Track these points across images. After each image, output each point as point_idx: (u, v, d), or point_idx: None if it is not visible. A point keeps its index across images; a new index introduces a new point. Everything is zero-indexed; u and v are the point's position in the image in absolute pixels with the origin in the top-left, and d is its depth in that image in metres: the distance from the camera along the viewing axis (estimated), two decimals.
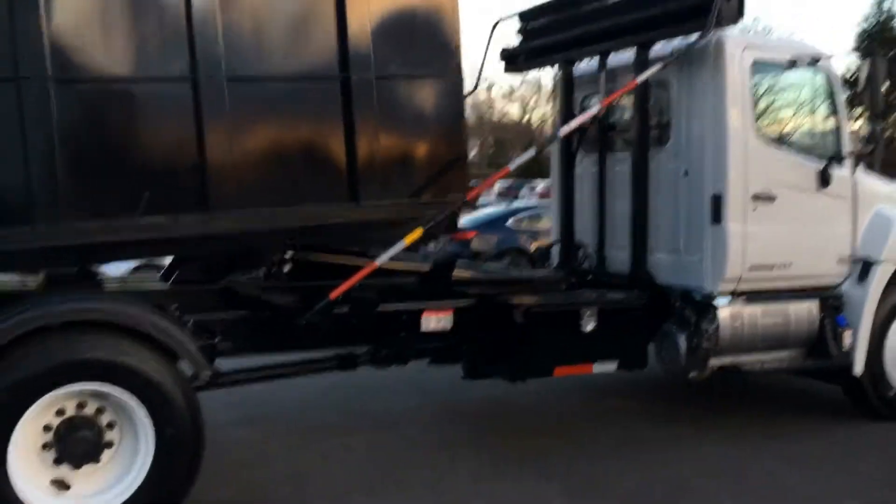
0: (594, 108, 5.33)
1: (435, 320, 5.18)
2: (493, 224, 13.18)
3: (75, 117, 4.05)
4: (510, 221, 13.40)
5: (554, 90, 6.85)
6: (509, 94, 46.30)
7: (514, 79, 50.70)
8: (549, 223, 14.07)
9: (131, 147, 4.19)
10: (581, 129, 6.39)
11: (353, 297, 4.76)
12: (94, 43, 4.10)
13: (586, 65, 6.48)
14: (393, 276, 5.19)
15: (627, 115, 6.21)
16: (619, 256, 6.11)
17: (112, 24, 4.11)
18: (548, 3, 6.83)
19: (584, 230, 6.49)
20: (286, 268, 5.12)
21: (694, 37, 5.35)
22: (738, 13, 5.14)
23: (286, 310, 4.67)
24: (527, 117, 48.10)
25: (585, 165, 6.54)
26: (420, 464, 5.15)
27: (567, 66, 6.47)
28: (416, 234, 4.46)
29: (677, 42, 5.55)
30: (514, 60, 6.96)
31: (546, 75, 45.30)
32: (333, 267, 5.29)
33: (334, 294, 4.44)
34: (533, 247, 12.34)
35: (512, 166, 5.33)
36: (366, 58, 4.47)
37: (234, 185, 4.28)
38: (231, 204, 4.27)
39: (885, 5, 43.94)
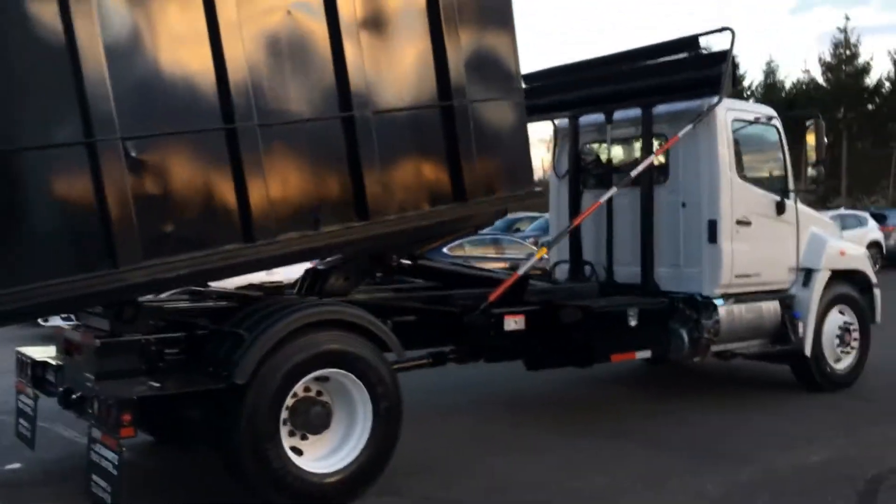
0: (651, 157, 6.92)
1: (514, 322, 6.51)
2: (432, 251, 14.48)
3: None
4: (446, 248, 14.77)
5: (555, 138, 8.39)
6: None
7: None
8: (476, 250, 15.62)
9: (309, 173, 5.27)
10: (583, 170, 8.05)
11: (470, 302, 6.10)
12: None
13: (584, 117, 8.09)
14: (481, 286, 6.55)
15: (625, 158, 7.91)
16: (625, 271, 7.69)
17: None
18: (555, 67, 8.44)
19: (589, 251, 8.03)
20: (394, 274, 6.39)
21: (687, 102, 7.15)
22: (734, 84, 6.93)
23: (443, 314, 5.91)
24: None
25: (588, 199, 8.10)
26: (521, 436, 6.47)
27: (574, 120, 8.05)
28: (542, 251, 5.85)
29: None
30: None
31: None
32: (432, 272, 6.61)
33: (492, 297, 5.75)
34: None
35: (603, 199, 6.89)
36: (461, 89, 5.72)
37: (385, 197, 5.42)
38: (385, 212, 5.42)
39: None
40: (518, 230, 20.68)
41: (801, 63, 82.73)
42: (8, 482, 5.65)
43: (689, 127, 6.91)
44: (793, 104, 45.74)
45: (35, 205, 4.44)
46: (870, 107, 44.88)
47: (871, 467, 5.61)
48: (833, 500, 5.02)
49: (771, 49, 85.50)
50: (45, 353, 5.71)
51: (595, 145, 8.21)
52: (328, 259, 6.20)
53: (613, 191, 6.96)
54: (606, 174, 7.94)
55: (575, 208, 8.05)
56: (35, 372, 5.62)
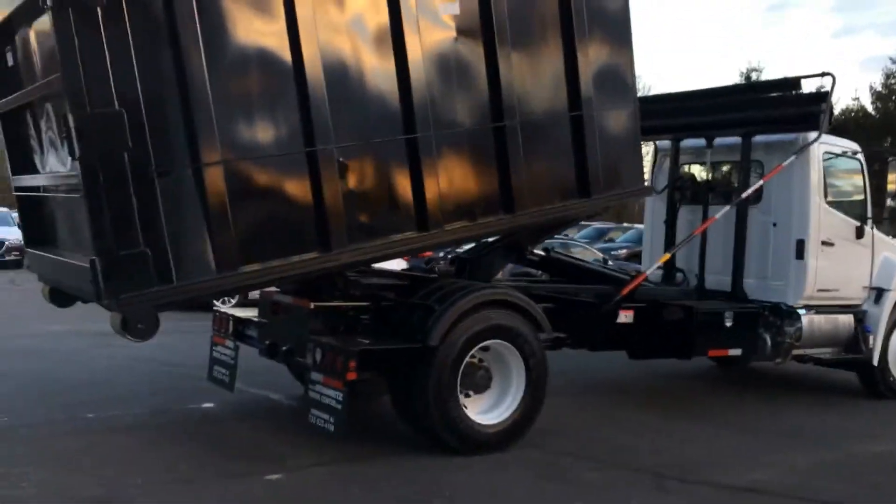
0: (760, 181, 7.92)
1: (625, 315, 7.56)
2: None
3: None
4: None
5: (655, 157, 9.41)
6: None
7: None
8: None
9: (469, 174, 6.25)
10: (682, 188, 9.05)
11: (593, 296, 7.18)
12: None
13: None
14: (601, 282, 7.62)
15: (724, 180, 8.91)
16: (715, 280, 8.68)
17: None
18: (660, 94, 9.47)
19: (681, 259, 9.01)
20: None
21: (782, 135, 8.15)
22: (830, 121, 7.91)
23: (581, 304, 6.98)
24: None
25: (683, 214, 9.11)
26: (626, 414, 7.53)
27: (676, 142, 9.06)
28: (665, 257, 6.88)
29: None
30: None
31: None
32: (560, 264, 7.66)
33: (625, 291, 6.81)
34: None
35: (719, 215, 7.97)
36: (589, 100, 6.63)
37: (527, 194, 6.34)
38: (526, 206, 6.34)
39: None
40: (611, 240, 21.44)
41: (848, 89, 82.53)
42: (208, 417, 6.79)
43: (793, 157, 7.91)
44: (841, 131, 46.23)
45: (272, 202, 5.39)
46: None
47: None
48: None
49: (805, 71, 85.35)
50: (245, 312, 6.84)
51: (689, 167, 9.22)
52: (464, 248, 7.30)
53: (727, 208, 7.96)
54: (701, 192, 8.93)
55: (672, 220, 9.06)
56: (237, 328, 6.76)
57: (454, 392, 5.83)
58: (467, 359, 5.95)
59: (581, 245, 18.85)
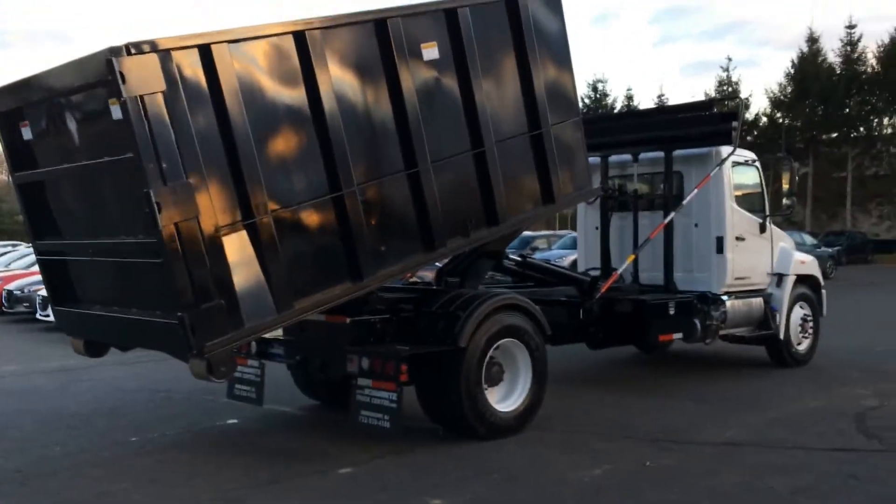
0: (695, 190, 9.24)
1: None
2: None
3: None
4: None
5: None
6: None
7: None
8: None
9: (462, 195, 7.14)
10: (612, 197, 10.32)
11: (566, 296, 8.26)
12: None
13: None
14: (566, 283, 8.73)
15: (648, 189, 10.26)
16: (648, 276, 9.99)
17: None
18: (586, 116, 10.68)
19: (615, 259, 10.26)
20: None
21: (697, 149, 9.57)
22: (738, 137, 9.36)
23: (568, 303, 8.04)
24: None
25: (615, 220, 10.37)
26: (600, 397, 8.62)
27: (605, 158, 10.32)
28: (631, 258, 8.06)
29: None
30: None
31: None
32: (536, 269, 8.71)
33: (604, 288, 7.90)
34: None
35: (666, 220, 9.17)
36: (545, 117, 7.65)
37: (507, 206, 7.30)
38: (507, 218, 7.31)
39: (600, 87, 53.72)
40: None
41: (683, 95, 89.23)
42: (242, 430, 7.36)
43: (717, 168, 9.32)
44: None
45: (314, 243, 6.12)
46: (749, 138, 49.66)
47: (853, 408, 8.08)
48: (839, 424, 7.42)
49: (637, 80, 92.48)
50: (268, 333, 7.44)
51: (617, 179, 10.50)
52: (449, 260, 8.19)
53: (673, 214, 9.26)
54: (628, 201, 10.22)
55: (605, 226, 10.31)
56: (260, 347, 7.37)
57: (480, 385, 6.74)
58: (488, 356, 6.88)
59: None
